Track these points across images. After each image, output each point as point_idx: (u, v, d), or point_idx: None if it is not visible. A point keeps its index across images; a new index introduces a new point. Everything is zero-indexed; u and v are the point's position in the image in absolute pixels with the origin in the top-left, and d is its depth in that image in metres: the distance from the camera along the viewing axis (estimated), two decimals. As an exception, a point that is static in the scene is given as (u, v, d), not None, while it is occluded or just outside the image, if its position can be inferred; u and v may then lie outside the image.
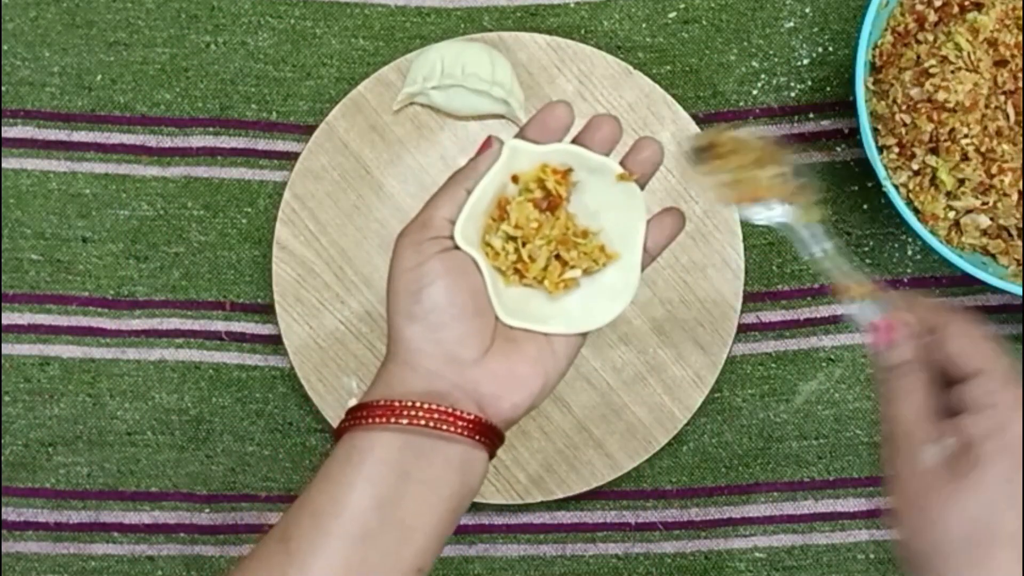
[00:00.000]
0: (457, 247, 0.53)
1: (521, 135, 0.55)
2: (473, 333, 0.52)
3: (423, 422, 0.50)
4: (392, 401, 0.50)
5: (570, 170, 0.55)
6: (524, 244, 0.54)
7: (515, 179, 0.55)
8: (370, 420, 0.50)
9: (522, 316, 0.54)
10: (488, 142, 0.54)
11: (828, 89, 0.78)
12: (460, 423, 0.50)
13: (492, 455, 0.53)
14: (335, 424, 0.74)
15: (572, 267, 0.55)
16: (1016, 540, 0.45)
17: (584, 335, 0.55)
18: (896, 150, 0.69)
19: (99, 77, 0.78)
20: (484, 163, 0.54)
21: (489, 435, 0.52)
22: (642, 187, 0.55)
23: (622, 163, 0.55)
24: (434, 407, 0.50)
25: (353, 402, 0.53)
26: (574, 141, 0.55)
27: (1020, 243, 0.69)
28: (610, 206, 0.55)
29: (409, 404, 0.50)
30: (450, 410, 0.50)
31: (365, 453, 0.50)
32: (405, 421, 0.50)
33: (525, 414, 0.54)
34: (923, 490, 0.47)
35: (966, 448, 0.47)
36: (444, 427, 0.50)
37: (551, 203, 0.54)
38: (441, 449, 0.51)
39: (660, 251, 0.56)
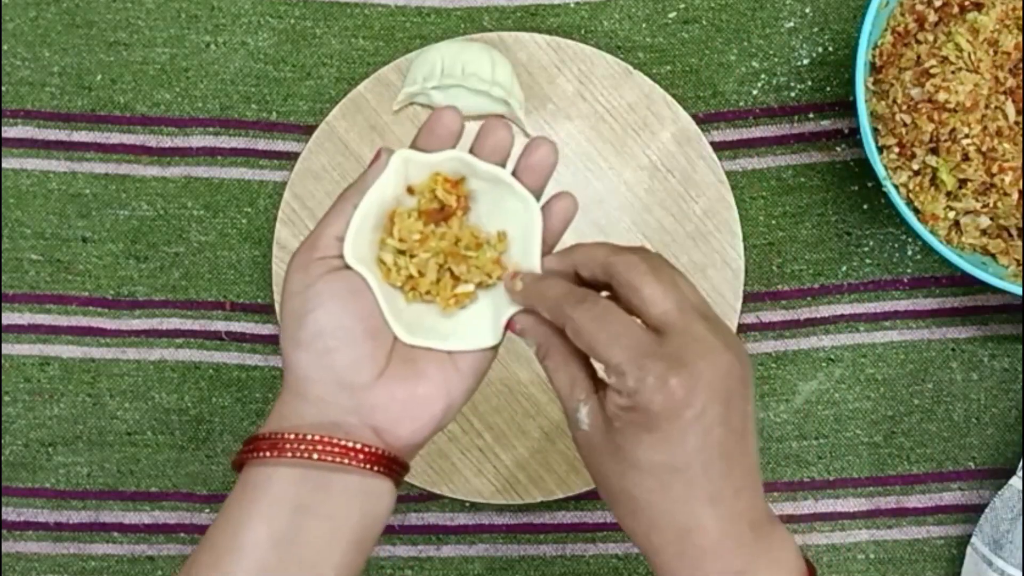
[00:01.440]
0: (348, 266, 0.51)
1: (412, 145, 0.53)
2: (364, 357, 0.50)
3: (312, 455, 0.48)
4: (279, 434, 0.48)
5: (463, 179, 0.53)
6: (412, 257, 0.52)
7: (411, 191, 0.53)
8: (259, 455, 0.48)
9: (422, 333, 0.52)
10: (377, 154, 0.52)
11: (828, 89, 0.78)
12: (352, 455, 0.48)
13: (398, 483, 0.51)
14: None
15: (464, 282, 0.53)
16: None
17: (494, 349, 0.53)
18: (896, 150, 0.69)
19: (99, 77, 0.78)
20: (371, 176, 0.52)
21: (386, 464, 0.49)
22: (537, 196, 0.53)
23: (515, 171, 0.53)
24: (321, 439, 0.48)
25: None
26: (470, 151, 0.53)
27: (1020, 243, 0.69)
28: (507, 214, 0.53)
29: (294, 437, 0.48)
30: (340, 442, 0.48)
31: (259, 489, 0.48)
32: (289, 455, 0.48)
33: (430, 437, 0.52)
34: (586, 448, 0.49)
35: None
36: (333, 459, 0.48)
37: (444, 213, 0.52)
38: (339, 480, 0.49)
39: (557, 240, 0.54)
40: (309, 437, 0.48)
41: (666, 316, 0.46)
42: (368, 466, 0.49)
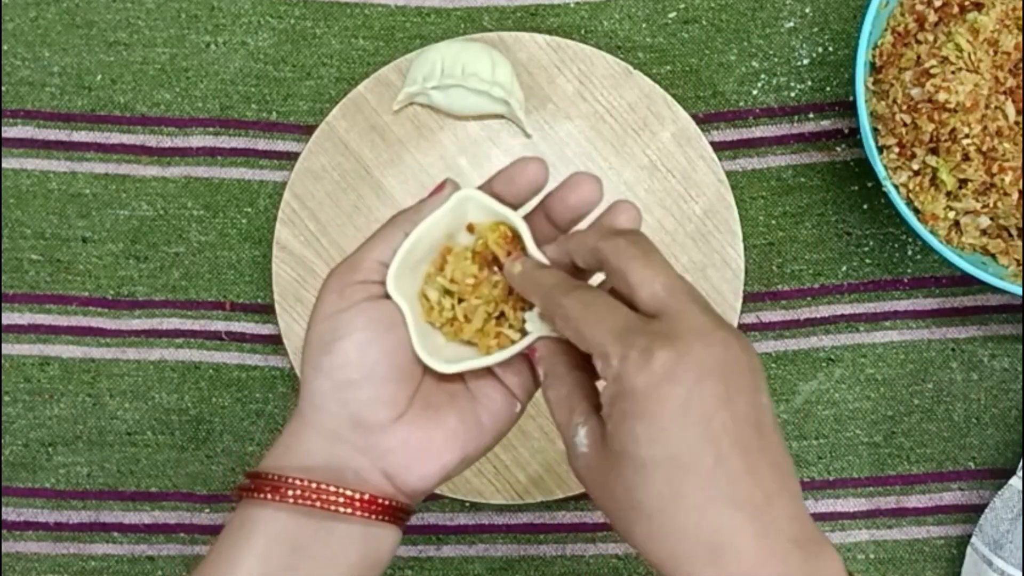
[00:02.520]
0: (387, 296, 0.48)
1: (487, 186, 0.50)
2: (385, 397, 0.48)
3: (313, 502, 0.46)
4: (283, 477, 0.47)
5: (519, 237, 0.49)
6: (460, 301, 0.49)
7: (471, 228, 0.50)
8: (260, 495, 0.47)
9: (459, 364, 0.49)
10: (442, 185, 0.50)
11: (828, 89, 0.78)
12: (356, 504, 0.47)
13: (402, 527, 0.49)
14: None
15: (511, 326, 0.49)
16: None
17: (518, 411, 0.51)
18: (896, 150, 0.69)
19: (99, 77, 0.78)
20: (429, 206, 0.49)
21: (391, 513, 0.48)
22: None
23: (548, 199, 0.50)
24: (326, 487, 0.46)
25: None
26: (547, 197, 0.50)
27: (1020, 243, 0.69)
28: None
29: (299, 482, 0.46)
30: (344, 491, 0.46)
31: (256, 526, 0.46)
32: (292, 500, 0.46)
33: (438, 485, 0.50)
34: (587, 474, 0.45)
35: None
36: (335, 508, 0.46)
37: (498, 262, 0.50)
38: (340, 525, 0.47)
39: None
40: (313, 485, 0.46)
41: (655, 299, 0.43)
42: (371, 515, 0.47)
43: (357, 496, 0.47)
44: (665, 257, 0.45)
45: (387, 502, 0.48)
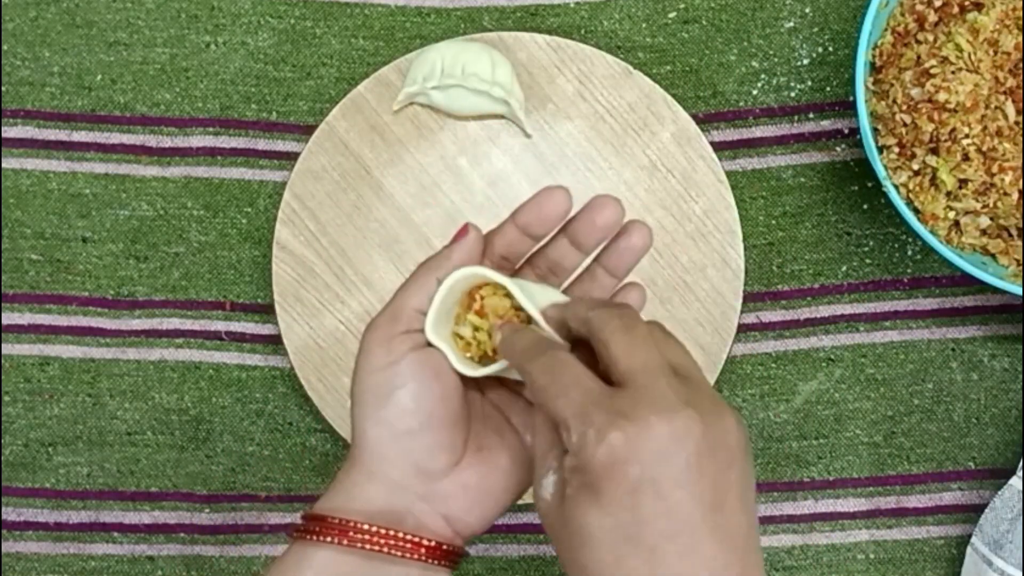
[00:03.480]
0: (429, 344, 0.50)
1: (514, 217, 0.51)
2: (443, 443, 0.49)
3: (378, 547, 0.47)
4: (348, 521, 0.48)
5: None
6: (491, 337, 0.51)
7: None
8: (325, 538, 0.48)
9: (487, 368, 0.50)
10: (464, 230, 0.51)
11: (828, 89, 0.78)
12: (418, 550, 0.48)
13: (455, 569, 0.50)
14: (335, 425, 0.74)
15: None
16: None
17: None
18: (896, 150, 0.69)
19: (99, 77, 0.78)
20: (457, 254, 0.50)
21: (448, 558, 0.49)
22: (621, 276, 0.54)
23: (604, 251, 0.52)
24: (392, 533, 0.48)
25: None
26: (571, 221, 0.52)
27: (1020, 243, 0.69)
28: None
29: (365, 528, 0.48)
30: (409, 537, 0.48)
31: (315, 567, 0.48)
32: (359, 545, 0.47)
33: (494, 521, 0.51)
34: (546, 519, 0.45)
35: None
36: (400, 553, 0.48)
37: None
38: (398, 566, 0.48)
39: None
40: (381, 531, 0.48)
41: (629, 373, 0.43)
42: (434, 560, 0.49)
43: (419, 540, 0.48)
44: (648, 334, 0.45)
45: (448, 547, 0.49)
